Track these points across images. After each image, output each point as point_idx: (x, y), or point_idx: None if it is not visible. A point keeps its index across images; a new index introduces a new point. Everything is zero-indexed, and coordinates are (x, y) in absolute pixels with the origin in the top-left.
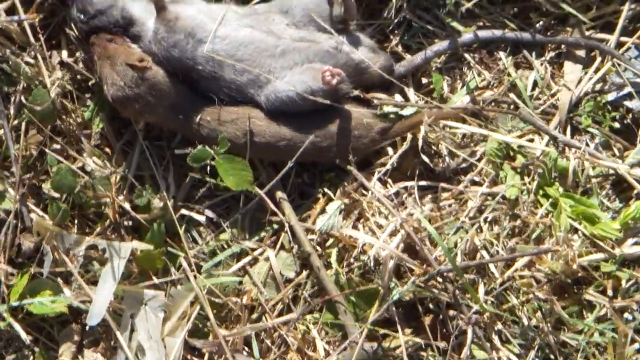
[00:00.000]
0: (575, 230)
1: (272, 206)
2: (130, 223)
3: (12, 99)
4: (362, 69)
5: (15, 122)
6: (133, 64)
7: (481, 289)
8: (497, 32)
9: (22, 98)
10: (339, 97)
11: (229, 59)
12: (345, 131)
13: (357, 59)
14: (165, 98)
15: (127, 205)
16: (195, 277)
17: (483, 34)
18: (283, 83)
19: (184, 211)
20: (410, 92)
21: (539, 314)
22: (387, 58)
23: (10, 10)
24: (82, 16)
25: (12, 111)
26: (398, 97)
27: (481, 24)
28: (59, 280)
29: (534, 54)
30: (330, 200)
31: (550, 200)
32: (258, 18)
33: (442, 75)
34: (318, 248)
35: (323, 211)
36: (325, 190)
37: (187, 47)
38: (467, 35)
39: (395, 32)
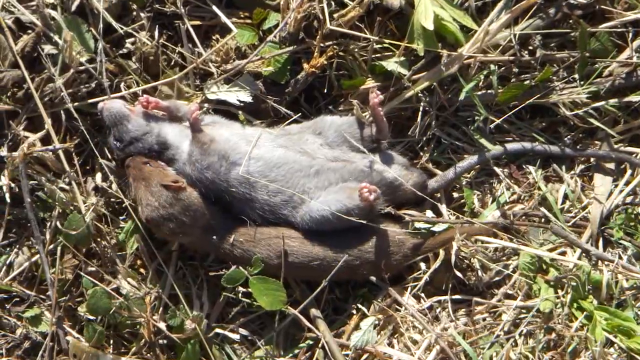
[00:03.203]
0: (612, 344)
1: (306, 323)
2: (166, 342)
3: (48, 224)
4: (396, 187)
5: (51, 246)
6: (168, 185)
7: None
8: (527, 145)
9: (58, 223)
10: (374, 215)
11: (263, 179)
12: (378, 249)
13: (391, 177)
14: (199, 219)
15: (162, 325)
16: None
17: (512, 147)
18: (317, 203)
19: (218, 330)
20: (443, 207)
21: None
22: (420, 174)
23: (45, 139)
24: (118, 144)
25: (47, 236)
26: (429, 213)
27: (510, 139)
28: None
29: (563, 167)
30: (364, 315)
31: (585, 313)
32: (292, 138)
33: (473, 190)
34: None
35: (357, 327)
36: (359, 306)
37: (221, 169)
38: (496, 148)
39: (425, 148)
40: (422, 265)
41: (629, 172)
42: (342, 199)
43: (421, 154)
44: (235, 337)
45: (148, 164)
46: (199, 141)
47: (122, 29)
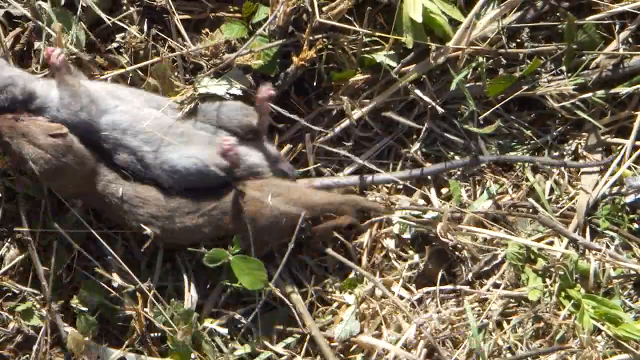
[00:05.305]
0: (599, 332)
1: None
2: (158, 334)
3: None
4: (256, 173)
5: None
6: (55, 134)
7: None
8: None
9: None
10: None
11: (130, 129)
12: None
13: (251, 162)
14: (87, 163)
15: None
16: None
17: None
18: (181, 155)
19: (206, 324)
20: (432, 194)
21: None
22: (290, 168)
23: None
24: None
25: None
26: (421, 202)
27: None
28: None
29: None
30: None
31: (573, 301)
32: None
33: (460, 182)
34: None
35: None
36: (343, 296)
37: (92, 112)
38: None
39: (414, 139)
40: (416, 257)
41: (615, 162)
42: (203, 155)
43: (411, 145)
44: (224, 331)
45: (18, 119)
46: (67, 84)
47: (109, 19)
